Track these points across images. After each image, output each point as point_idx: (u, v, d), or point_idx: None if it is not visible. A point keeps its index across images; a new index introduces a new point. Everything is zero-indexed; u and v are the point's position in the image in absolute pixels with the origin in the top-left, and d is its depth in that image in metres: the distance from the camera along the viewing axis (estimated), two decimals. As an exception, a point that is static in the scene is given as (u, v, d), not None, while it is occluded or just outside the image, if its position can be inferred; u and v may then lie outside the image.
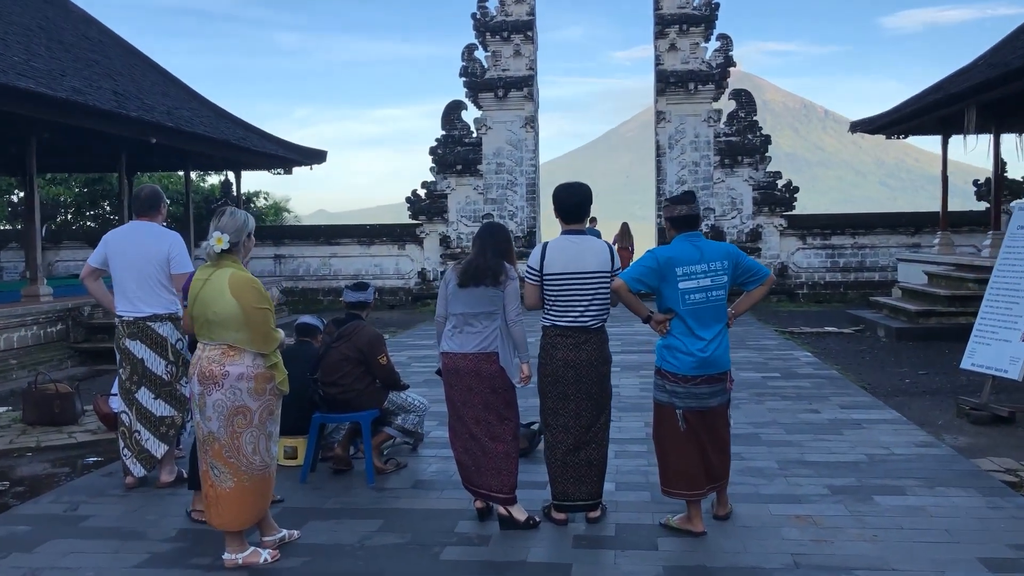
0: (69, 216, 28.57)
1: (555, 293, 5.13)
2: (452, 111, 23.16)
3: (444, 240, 22.81)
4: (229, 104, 22.20)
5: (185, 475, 5.78)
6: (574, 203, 5.24)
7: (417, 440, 6.80)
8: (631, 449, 6.99)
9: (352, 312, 6.53)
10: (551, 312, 5.19)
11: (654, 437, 5.22)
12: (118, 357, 6.19)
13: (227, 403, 4.47)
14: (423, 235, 23.09)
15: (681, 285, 4.95)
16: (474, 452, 5.21)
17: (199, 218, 25.51)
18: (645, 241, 24.32)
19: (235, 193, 21.39)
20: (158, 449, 6.09)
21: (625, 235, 23.80)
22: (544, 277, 5.15)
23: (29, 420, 8.35)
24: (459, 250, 22.68)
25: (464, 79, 22.68)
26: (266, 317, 4.49)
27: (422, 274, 23.07)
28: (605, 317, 5.23)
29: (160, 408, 6.06)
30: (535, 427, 6.75)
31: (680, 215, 5.13)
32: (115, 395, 6.44)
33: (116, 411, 6.29)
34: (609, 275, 5.15)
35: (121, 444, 6.19)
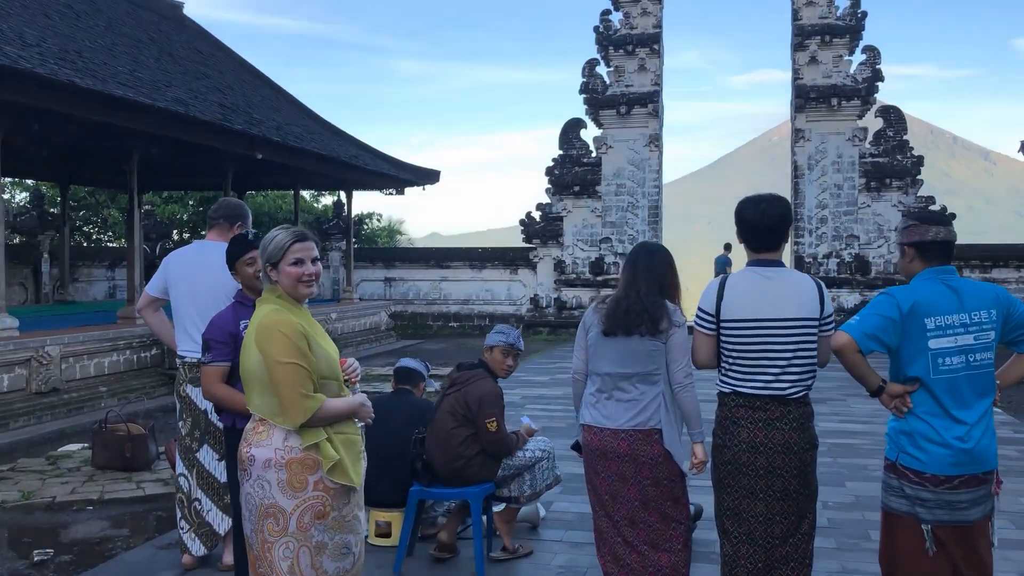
0: (185, 235, 28.63)
1: (739, 348, 3.70)
2: (570, 129, 21.93)
3: (559, 265, 21.50)
4: (347, 129, 21.72)
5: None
6: (768, 223, 3.79)
7: (553, 485, 5.32)
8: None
9: (483, 360, 5.22)
10: (732, 374, 3.76)
11: (882, 560, 3.68)
12: (178, 407, 5.07)
13: (255, 499, 3.21)
14: (536, 259, 21.85)
15: (932, 344, 3.43)
16: (628, 564, 3.80)
17: (310, 238, 25.08)
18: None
19: (346, 214, 20.64)
20: (221, 523, 4.91)
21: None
22: (722, 325, 3.72)
23: (98, 463, 7.39)
24: (574, 276, 21.35)
25: (584, 95, 21.42)
26: (291, 377, 3.14)
27: (535, 300, 21.81)
28: (810, 383, 3.76)
29: (226, 473, 4.88)
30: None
31: (935, 239, 3.59)
32: None
33: (176, 472, 5.16)
34: (818, 323, 3.70)
35: (178, 514, 5.05)
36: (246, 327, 4.22)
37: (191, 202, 27.70)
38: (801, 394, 3.70)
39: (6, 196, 29.31)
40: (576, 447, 4.04)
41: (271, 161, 15.05)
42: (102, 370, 11.06)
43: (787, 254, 20.62)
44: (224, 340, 4.05)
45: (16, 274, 19.62)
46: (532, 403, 10.61)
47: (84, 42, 12.19)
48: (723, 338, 3.74)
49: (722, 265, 20.82)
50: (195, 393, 4.87)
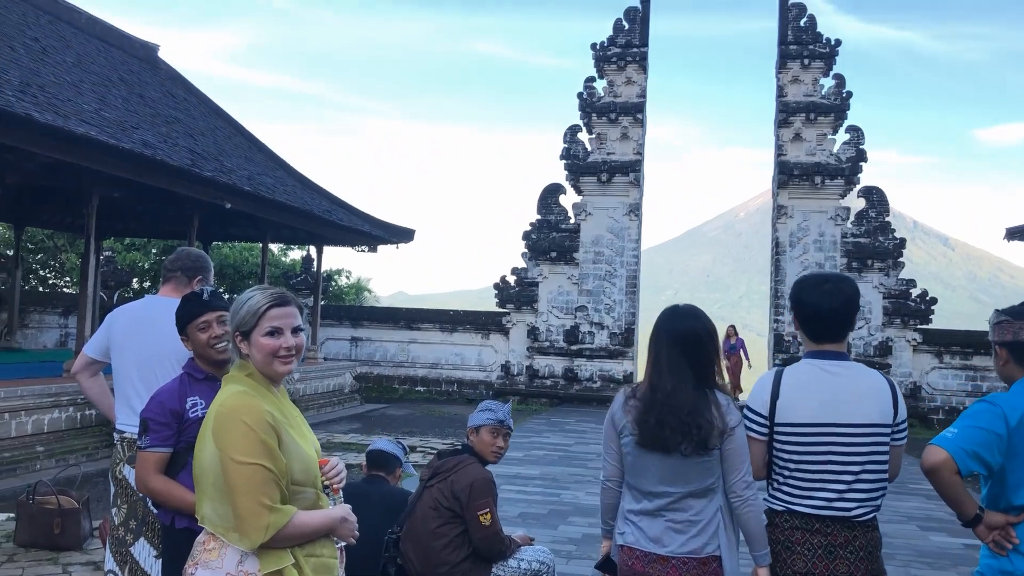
0: (147, 283, 27.65)
1: (797, 458, 3.05)
2: (549, 195, 21.54)
3: (532, 332, 20.87)
4: (322, 184, 21.02)
5: None
6: (833, 307, 3.15)
7: None
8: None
9: (467, 444, 4.52)
10: (786, 489, 3.10)
11: None
12: (112, 490, 4.30)
13: None
14: (510, 325, 21.22)
15: (1043, 465, 2.83)
16: None
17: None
18: (755, 351, 22.02)
19: (315, 269, 19.91)
20: (156, 636, 4.10)
21: (730, 338, 21.23)
22: (777, 429, 3.08)
23: (21, 540, 6.51)
24: (547, 344, 20.71)
25: (565, 161, 21.10)
26: (251, 482, 2.43)
27: (506, 367, 21.10)
28: (879, 502, 3.11)
29: None
30: None
31: None
32: None
33: (105, 569, 4.35)
34: (891, 430, 3.08)
35: (105, 622, 4.23)
36: (195, 407, 3.52)
37: (154, 250, 26.84)
38: (869, 516, 3.06)
39: (-41, 235, 28.19)
40: (605, 567, 3.30)
41: (240, 211, 14.38)
42: (40, 428, 10.14)
43: (765, 331, 19.99)
44: (165, 421, 3.34)
45: (-38, 317, 18.57)
46: (507, 484, 9.85)
47: (49, 77, 11.53)
48: (777, 445, 3.10)
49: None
50: (132, 475, 4.11)
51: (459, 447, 4.52)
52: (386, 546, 4.30)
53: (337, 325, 22.01)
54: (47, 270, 27.43)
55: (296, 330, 2.73)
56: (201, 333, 3.59)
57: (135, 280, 27.28)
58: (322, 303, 23.36)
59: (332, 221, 16.43)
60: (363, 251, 19.50)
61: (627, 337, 20.51)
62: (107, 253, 24.17)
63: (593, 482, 10.31)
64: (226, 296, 4.69)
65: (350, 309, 24.08)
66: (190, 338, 3.62)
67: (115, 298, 22.58)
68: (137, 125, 12.44)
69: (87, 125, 10.26)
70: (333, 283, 27.85)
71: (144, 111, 13.77)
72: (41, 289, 26.19)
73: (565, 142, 21.21)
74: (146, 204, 14.97)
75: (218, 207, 13.53)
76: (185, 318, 3.61)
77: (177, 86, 17.35)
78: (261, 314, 2.67)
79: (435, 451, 12.32)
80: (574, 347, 20.62)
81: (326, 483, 2.72)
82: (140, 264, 26.83)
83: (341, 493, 2.77)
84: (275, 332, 2.67)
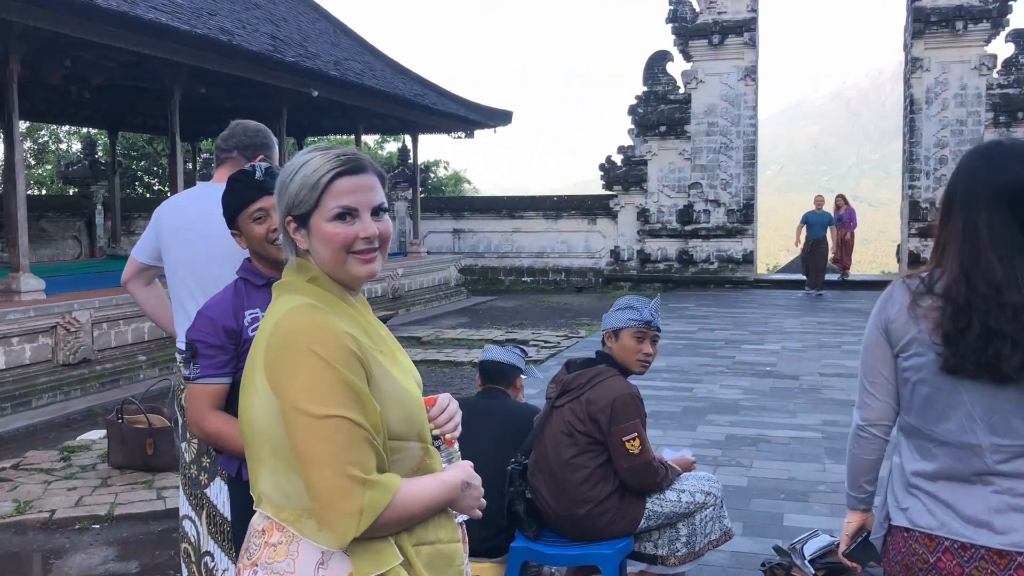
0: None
1: None
2: (655, 64, 19.93)
3: (642, 214, 19.67)
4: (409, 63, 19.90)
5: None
6: None
7: (720, 542, 3.61)
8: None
9: (604, 352, 3.58)
10: None
11: None
12: (179, 421, 3.59)
13: None
14: (617, 208, 20.05)
15: None
16: None
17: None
18: (865, 223, 20.16)
19: (411, 160, 19.06)
20: (241, 588, 3.41)
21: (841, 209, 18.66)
22: None
23: (115, 462, 6.04)
24: (659, 225, 19.51)
25: (672, 25, 19.36)
26: (334, 444, 1.57)
27: (615, 253, 20.05)
28: None
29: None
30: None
31: None
32: None
33: (181, 513, 3.67)
34: None
35: (184, 572, 3.57)
36: (255, 321, 2.68)
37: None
38: None
39: (62, 145, 28.53)
40: (859, 554, 2.18)
41: (329, 101, 13.54)
42: (141, 336, 9.77)
43: (899, 198, 18.24)
44: (219, 342, 2.52)
45: (70, 227, 18.61)
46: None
47: (115, -37, 10.71)
48: None
49: (819, 224, 16.90)
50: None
51: (593, 356, 3.58)
52: (510, 478, 3.46)
53: (438, 217, 21.29)
54: (150, 176, 27.53)
55: (379, 210, 1.78)
56: (257, 225, 2.71)
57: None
58: (421, 195, 22.67)
59: (424, 105, 15.44)
60: (459, 137, 18.49)
61: (746, 214, 19.10)
62: (205, 156, 23.93)
63: (727, 373, 9.35)
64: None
65: (451, 200, 23.31)
66: (243, 232, 2.74)
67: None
68: (214, 12, 11.59)
69: (156, 11, 9.44)
70: (432, 175, 27.06)
71: (221, -2, 12.90)
72: (148, 195, 26.29)
73: (671, 3, 19.42)
74: (232, 99, 14.29)
75: (305, 97, 12.71)
76: (233, 205, 2.73)
77: (255, -29, 16.38)
78: (324, 187, 1.71)
79: (549, 345, 11.54)
80: (688, 227, 19.36)
81: (435, 432, 1.83)
82: (238, 165, 26.59)
83: (457, 445, 1.87)
84: (347, 214, 1.72)
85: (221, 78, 11.70)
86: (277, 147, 3.71)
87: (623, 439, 3.31)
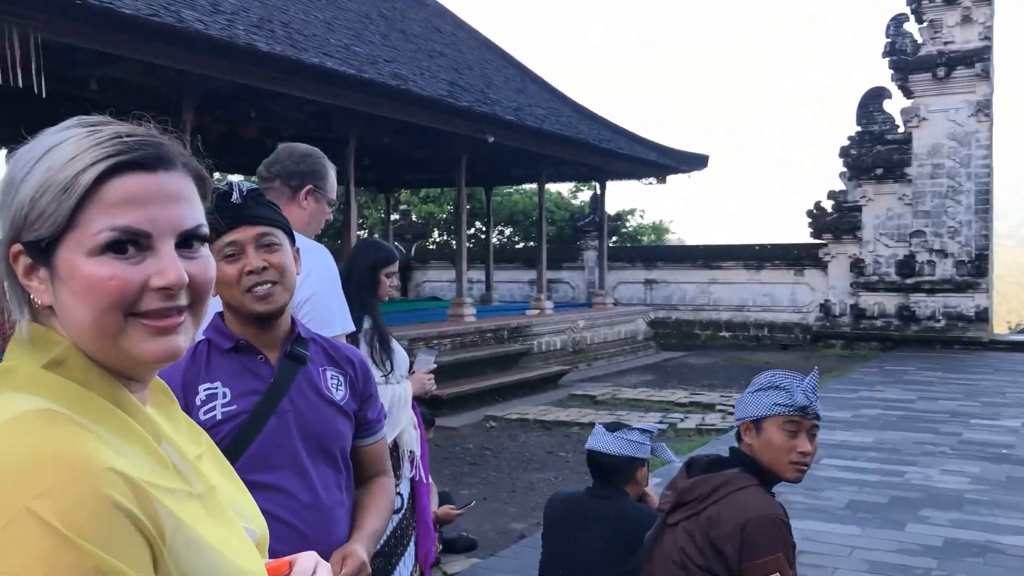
0: (445, 236, 27.84)
1: None
2: (871, 101, 18.20)
3: (856, 264, 17.82)
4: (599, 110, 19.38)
5: None
6: None
7: None
8: None
9: (739, 450, 2.54)
10: None
11: None
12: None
13: None
14: (827, 258, 18.30)
15: None
16: None
17: (561, 239, 23.07)
18: None
19: (601, 207, 18.34)
20: None
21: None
22: None
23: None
24: (875, 278, 17.59)
25: (890, 59, 17.61)
26: None
27: (825, 307, 18.25)
28: None
29: None
30: None
31: None
32: None
33: None
34: None
35: None
36: (211, 400, 1.93)
37: (448, 205, 26.81)
38: None
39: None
40: None
41: (513, 148, 13.11)
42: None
43: None
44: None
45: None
46: (830, 456, 7.61)
47: (296, 14, 10.83)
48: None
49: None
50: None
51: (724, 455, 2.57)
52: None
53: (629, 267, 20.37)
54: (356, 227, 28.49)
55: (191, 239, 0.97)
56: (228, 264, 1.98)
57: (435, 231, 27.59)
58: (613, 244, 21.86)
59: (609, 149, 14.68)
60: (651, 183, 17.56)
61: (979, 266, 16.80)
62: (403, 206, 24.43)
63: (950, 455, 7.76)
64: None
65: (642, 249, 22.37)
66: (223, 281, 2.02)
67: (412, 251, 22.70)
68: (391, 59, 11.48)
69: (326, 57, 9.33)
70: (624, 223, 26.21)
71: (403, 46, 12.86)
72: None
73: (888, 36, 17.69)
74: (416, 148, 14.19)
75: (484, 144, 12.33)
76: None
77: (445, 21, 16.45)
78: (86, 192, 0.93)
79: (716, 431, 9.61)
80: (909, 280, 17.30)
81: None
82: (437, 216, 26.98)
83: None
84: (129, 243, 0.91)
85: (398, 126, 11.54)
86: (333, 176, 3.03)
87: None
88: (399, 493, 3.50)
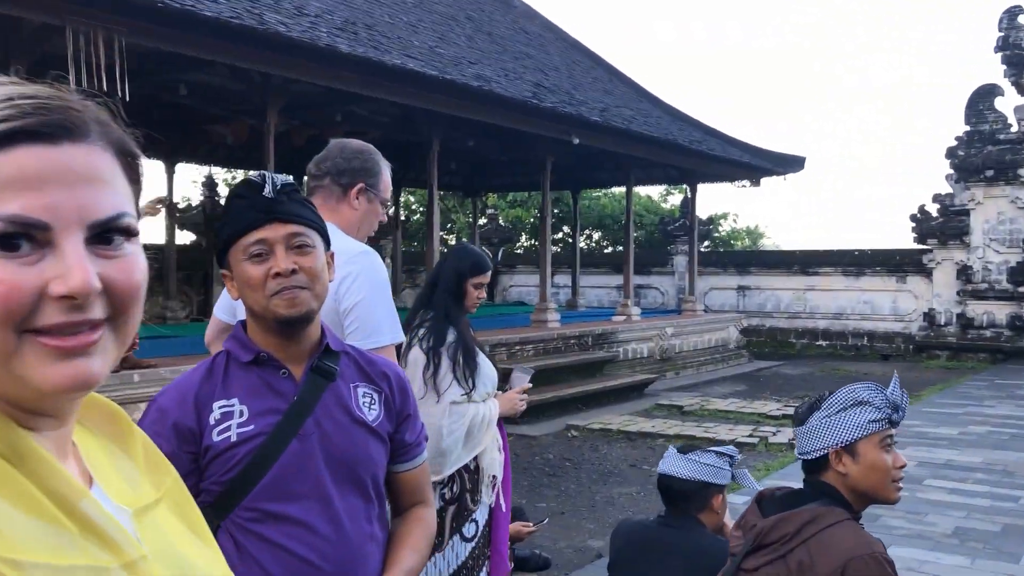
0: (532, 240, 27.67)
1: None
2: (981, 99, 17.23)
3: (963, 271, 16.86)
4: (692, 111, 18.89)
5: None
6: None
7: None
8: None
9: (822, 482, 2.20)
10: None
11: None
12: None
13: None
14: (932, 264, 17.37)
15: None
16: None
17: (651, 244, 22.58)
18: None
19: (691, 210, 17.84)
20: None
21: None
22: None
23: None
24: (985, 285, 16.62)
25: (1003, 54, 16.66)
26: None
27: (929, 316, 17.33)
28: None
29: None
30: None
31: None
32: None
33: None
34: None
35: None
36: (226, 419, 1.73)
37: (535, 209, 26.63)
38: None
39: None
40: None
41: (599, 151, 12.83)
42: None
43: None
44: (169, 448, 1.59)
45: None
46: (934, 477, 7.08)
47: (382, 17, 10.79)
48: None
49: None
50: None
51: (812, 488, 2.23)
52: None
53: (721, 273, 19.79)
54: (444, 231, 28.61)
55: (110, 231, 0.74)
56: (252, 265, 1.77)
57: (522, 236, 27.43)
58: (705, 249, 21.26)
59: (700, 151, 14.22)
60: (744, 186, 16.97)
61: (1100, 275, 15.69)
62: (490, 211, 24.35)
63: (1071, 480, 7.11)
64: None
65: (735, 254, 21.74)
66: (233, 274, 1.81)
67: (499, 255, 22.59)
68: (476, 61, 11.34)
69: (407, 58, 9.23)
70: (717, 227, 25.54)
71: (489, 48, 12.72)
72: (443, 250, 27.30)
73: (1001, 29, 16.72)
74: (502, 151, 14.05)
75: (570, 146, 12.07)
76: (225, 232, 1.80)
77: (532, 22, 16.26)
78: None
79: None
80: (1022, 288, 16.27)
81: None
82: (524, 220, 26.82)
83: None
84: (22, 237, 0.70)
85: (482, 128, 11.39)
86: (387, 174, 2.82)
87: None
88: (474, 520, 3.27)
